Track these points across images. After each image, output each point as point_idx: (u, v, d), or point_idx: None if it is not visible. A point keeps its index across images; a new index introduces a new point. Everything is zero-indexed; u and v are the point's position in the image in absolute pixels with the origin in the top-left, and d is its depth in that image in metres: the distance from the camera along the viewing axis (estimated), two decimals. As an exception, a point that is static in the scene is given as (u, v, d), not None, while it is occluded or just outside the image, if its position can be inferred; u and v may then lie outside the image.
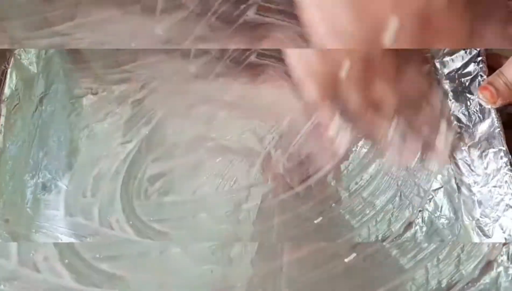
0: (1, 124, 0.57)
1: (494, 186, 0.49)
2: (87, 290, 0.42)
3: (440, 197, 0.51)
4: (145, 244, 0.48)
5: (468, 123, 0.53)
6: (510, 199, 0.47)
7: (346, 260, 0.47)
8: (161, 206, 0.53)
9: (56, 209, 0.53)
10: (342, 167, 0.54)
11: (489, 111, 0.51)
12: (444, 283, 0.46)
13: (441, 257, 0.47)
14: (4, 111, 0.58)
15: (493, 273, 0.46)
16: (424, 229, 0.50)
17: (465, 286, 0.45)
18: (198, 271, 0.46)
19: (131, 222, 0.52)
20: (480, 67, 0.54)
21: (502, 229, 0.47)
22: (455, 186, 0.52)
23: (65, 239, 0.51)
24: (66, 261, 0.45)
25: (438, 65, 0.58)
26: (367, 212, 0.51)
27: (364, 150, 0.55)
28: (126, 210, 0.53)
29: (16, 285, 0.41)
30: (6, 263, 0.42)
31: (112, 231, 0.52)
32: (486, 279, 0.46)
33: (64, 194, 0.54)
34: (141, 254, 0.48)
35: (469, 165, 0.52)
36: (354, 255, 0.47)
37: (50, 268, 0.43)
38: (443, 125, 0.53)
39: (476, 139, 0.52)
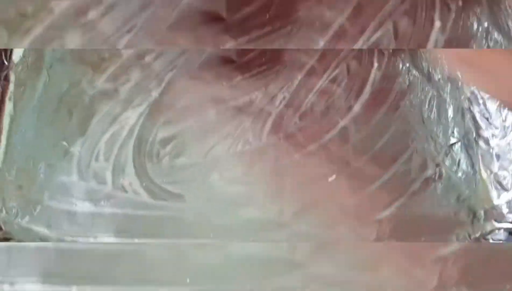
0: (11, 92, 0.57)
1: (513, 139, 0.48)
2: (158, 203, 0.51)
3: (458, 152, 0.50)
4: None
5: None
6: (529, 151, 0.46)
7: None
8: (173, 168, 0.53)
9: (69, 175, 0.53)
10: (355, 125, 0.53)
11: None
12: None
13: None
14: (13, 78, 0.57)
15: None
16: (442, 184, 0.49)
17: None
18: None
19: (144, 185, 0.52)
20: None
21: (521, 181, 0.46)
22: (472, 139, 0.50)
23: (79, 204, 0.51)
24: (144, 184, 0.51)
25: None
26: (383, 169, 0.50)
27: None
28: (139, 173, 0.52)
29: (112, 202, 0.51)
30: (104, 187, 0.52)
31: (125, 194, 0.52)
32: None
33: (76, 159, 0.53)
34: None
35: (487, 118, 0.51)
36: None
37: (133, 190, 0.51)
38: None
39: (494, 90, 0.50)
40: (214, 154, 0.53)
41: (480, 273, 0.42)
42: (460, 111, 0.52)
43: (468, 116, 0.52)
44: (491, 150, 0.49)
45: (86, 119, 0.55)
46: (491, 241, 0.46)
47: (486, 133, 0.50)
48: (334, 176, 0.51)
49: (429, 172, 0.50)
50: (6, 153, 0.54)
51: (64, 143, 0.54)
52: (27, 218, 0.52)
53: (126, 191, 0.52)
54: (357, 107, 0.53)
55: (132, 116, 0.55)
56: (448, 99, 0.53)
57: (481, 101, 0.51)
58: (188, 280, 0.46)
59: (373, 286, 0.44)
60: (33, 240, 0.50)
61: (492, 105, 0.50)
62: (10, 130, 0.55)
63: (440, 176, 0.50)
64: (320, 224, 0.49)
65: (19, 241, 0.50)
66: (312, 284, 0.45)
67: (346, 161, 0.51)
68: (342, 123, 0.52)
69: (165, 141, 0.54)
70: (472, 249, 0.45)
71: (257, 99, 0.54)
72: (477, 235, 0.47)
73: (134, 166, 0.53)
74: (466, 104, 0.52)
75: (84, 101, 0.56)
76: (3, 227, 0.51)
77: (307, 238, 0.49)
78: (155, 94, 0.56)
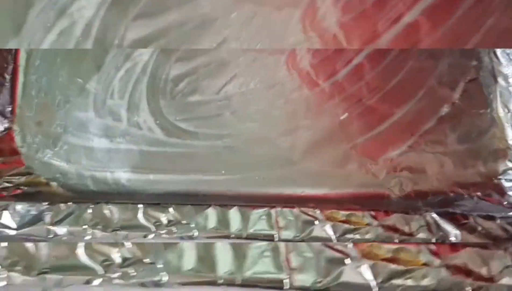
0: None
1: (534, 77, 0.46)
2: (171, 140, 0.52)
3: (474, 88, 0.48)
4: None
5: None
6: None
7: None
8: (187, 106, 0.53)
9: (86, 111, 0.54)
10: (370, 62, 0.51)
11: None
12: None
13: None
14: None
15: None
16: (455, 122, 0.48)
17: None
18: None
19: (158, 122, 0.53)
20: None
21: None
22: (491, 76, 0.48)
23: (96, 140, 0.53)
24: (158, 121, 0.52)
25: None
26: (396, 107, 0.50)
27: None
28: (153, 110, 0.53)
29: (127, 138, 0.53)
30: (119, 124, 0.53)
31: (140, 131, 0.53)
32: None
33: (92, 96, 0.54)
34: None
35: (508, 54, 0.48)
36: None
37: (147, 127, 0.52)
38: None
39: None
40: (226, 91, 0.53)
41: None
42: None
43: (489, 51, 0.50)
44: (510, 88, 0.48)
45: (100, 55, 0.55)
46: (503, 181, 0.46)
47: (506, 70, 0.48)
48: (346, 114, 0.50)
49: (444, 110, 0.49)
50: (24, 89, 0.55)
51: (80, 80, 0.55)
52: (47, 153, 0.54)
53: (140, 128, 0.53)
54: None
55: (145, 53, 0.55)
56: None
57: (504, 36, 0.49)
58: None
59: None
60: (54, 175, 0.53)
61: (515, 41, 0.48)
62: (26, 67, 0.56)
63: (455, 114, 0.48)
64: (330, 162, 0.49)
65: (39, 175, 0.53)
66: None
67: (359, 98, 0.50)
68: (356, 60, 0.51)
69: (178, 79, 0.54)
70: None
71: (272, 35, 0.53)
72: (489, 174, 0.46)
73: (148, 103, 0.53)
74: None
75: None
76: (25, 162, 0.53)
77: (316, 175, 0.49)
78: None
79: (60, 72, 0.55)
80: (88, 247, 0.42)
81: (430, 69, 0.50)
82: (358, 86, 0.51)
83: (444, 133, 0.48)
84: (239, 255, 0.42)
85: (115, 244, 0.43)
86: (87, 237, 0.45)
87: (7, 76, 0.55)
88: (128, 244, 0.42)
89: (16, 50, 0.56)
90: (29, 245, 0.43)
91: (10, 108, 0.54)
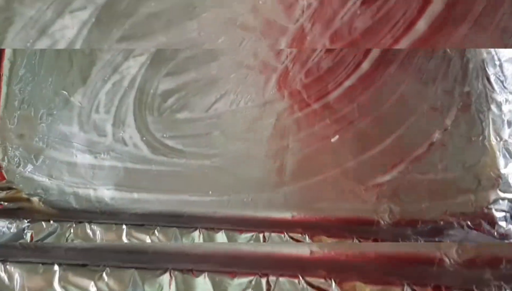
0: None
1: (527, 106, 0.45)
2: (157, 158, 0.51)
3: (467, 115, 0.48)
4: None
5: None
6: (543, 120, 0.44)
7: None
8: (174, 123, 0.52)
9: (70, 125, 0.52)
10: (362, 84, 0.51)
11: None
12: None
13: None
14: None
15: None
16: (447, 149, 0.48)
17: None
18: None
19: (144, 139, 0.51)
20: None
21: (530, 151, 0.44)
22: (484, 103, 0.48)
23: (80, 155, 0.51)
24: (144, 138, 0.51)
25: None
26: (387, 131, 0.49)
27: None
28: (139, 126, 0.52)
29: (112, 155, 0.51)
30: (104, 139, 0.52)
31: (125, 147, 0.51)
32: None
33: (77, 110, 0.53)
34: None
35: (502, 82, 0.48)
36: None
37: (133, 143, 0.51)
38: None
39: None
40: (216, 109, 0.52)
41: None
42: (474, 73, 0.50)
43: (482, 78, 0.49)
44: (503, 116, 0.47)
45: (87, 67, 0.54)
46: (493, 211, 0.45)
47: (499, 97, 0.48)
48: (337, 137, 0.49)
49: (436, 136, 0.48)
50: (6, 100, 0.54)
51: (65, 92, 0.53)
52: (29, 167, 0.52)
53: (126, 144, 0.51)
54: (365, 65, 0.50)
55: (133, 66, 0.53)
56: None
57: (497, 63, 0.48)
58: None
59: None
60: (35, 190, 0.51)
61: (509, 69, 0.48)
62: (10, 77, 0.54)
63: (447, 141, 0.48)
64: (319, 185, 0.49)
65: (20, 190, 0.51)
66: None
67: (350, 121, 0.50)
68: (348, 82, 0.50)
69: (167, 94, 0.52)
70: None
71: (262, 54, 0.52)
72: (480, 203, 0.46)
73: (135, 119, 0.52)
74: (481, 66, 0.49)
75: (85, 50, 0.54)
76: (6, 176, 0.52)
77: (305, 198, 0.48)
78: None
79: (44, 83, 0.54)
80: (64, 279, 0.41)
81: (422, 94, 0.49)
82: (350, 108, 0.50)
83: (435, 160, 0.47)
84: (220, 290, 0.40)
85: (92, 276, 0.41)
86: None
87: (-11, 87, 0.53)
88: (105, 277, 0.40)
89: (0, 59, 0.54)
90: (3, 275, 0.41)
91: (-9, 120, 0.53)
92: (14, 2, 0.48)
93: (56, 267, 0.41)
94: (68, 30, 0.49)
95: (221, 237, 0.45)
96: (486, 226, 0.45)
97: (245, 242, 0.45)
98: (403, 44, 0.48)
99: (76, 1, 0.48)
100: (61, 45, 0.49)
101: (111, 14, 0.48)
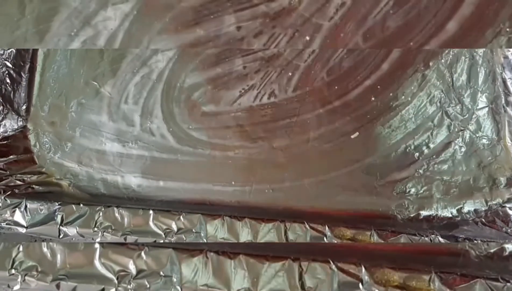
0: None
1: (543, 108, 0.47)
2: (183, 149, 0.53)
3: (484, 117, 0.50)
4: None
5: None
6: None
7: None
8: (200, 115, 0.54)
9: (99, 114, 0.54)
10: (382, 84, 0.52)
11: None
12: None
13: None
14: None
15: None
16: (464, 149, 0.49)
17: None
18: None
19: (171, 129, 0.53)
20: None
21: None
22: (500, 105, 0.50)
23: (108, 143, 0.54)
24: (171, 129, 0.53)
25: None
26: (406, 128, 0.51)
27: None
28: (166, 117, 0.54)
29: (139, 144, 0.54)
30: (132, 129, 0.54)
31: (153, 137, 0.53)
32: None
33: (107, 100, 0.55)
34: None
35: (518, 85, 0.50)
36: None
37: (160, 134, 0.53)
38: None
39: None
40: (240, 103, 0.53)
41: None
42: (492, 76, 0.51)
43: (499, 81, 0.51)
44: (518, 118, 0.49)
45: (117, 59, 0.56)
46: (507, 209, 0.47)
47: (515, 100, 0.50)
48: (357, 133, 0.51)
49: (453, 136, 0.50)
50: (39, 88, 0.56)
51: (95, 83, 0.55)
52: (59, 154, 0.54)
53: (153, 134, 0.53)
54: (385, 66, 0.52)
55: (162, 60, 0.56)
56: (480, 63, 0.51)
57: (514, 66, 0.50)
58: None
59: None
60: (65, 175, 0.53)
61: (526, 72, 0.49)
62: (43, 66, 0.56)
63: (464, 140, 0.50)
64: (339, 179, 0.50)
65: (51, 175, 0.53)
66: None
67: (370, 119, 0.51)
68: (369, 81, 0.52)
69: (193, 88, 0.54)
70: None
71: (285, 52, 0.54)
72: (494, 202, 0.48)
73: (162, 110, 0.54)
74: (498, 69, 0.51)
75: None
76: (37, 161, 0.54)
77: (326, 192, 0.50)
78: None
79: (76, 74, 0.56)
80: (104, 256, 0.43)
81: (439, 95, 0.51)
82: (370, 107, 0.52)
83: (451, 158, 0.49)
84: (254, 273, 0.42)
85: (131, 254, 0.43)
86: (97, 240, 0.46)
87: (24, 75, 0.55)
88: (143, 256, 0.43)
89: (34, 50, 0.56)
90: (46, 251, 0.43)
91: (25, 107, 0.55)
92: (60, -8, 0.51)
93: (96, 245, 0.43)
94: (111, 21, 0.51)
95: (244, 225, 0.47)
96: (499, 223, 0.47)
97: (267, 231, 0.46)
98: (433, 44, 0.49)
99: (119, -7, 0.51)
100: (103, 35, 0.51)
101: (152, 7, 0.50)
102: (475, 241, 0.44)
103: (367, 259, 0.41)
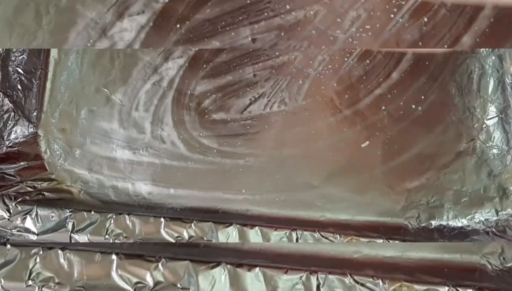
0: (56, 36, 0.58)
1: (554, 118, 0.47)
2: (194, 156, 0.53)
3: (494, 127, 0.50)
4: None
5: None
6: None
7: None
8: (210, 123, 0.54)
9: (110, 122, 0.55)
10: (392, 93, 0.53)
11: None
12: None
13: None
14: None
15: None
16: (474, 159, 0.50)
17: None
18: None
19: (181, 137, 0.54)
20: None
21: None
22: (510, 115, 0.50)
23: (119, 150, 0.54)
24: (181, 136, 0.54)
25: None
26: (416, 139, 0.51)
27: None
28: (177, 125, 0.54)
29: (150, 151, 0.54)
30: (143, 136, 0.54)
31: (163, 144, 0.54)
32: None
33: (117, 107, 0.55)
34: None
35: (529, 95, 0.50)
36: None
37: (171, 141, 0.53)
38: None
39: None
40: (250, 111, 0.54)
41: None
42: (501, 85, 0.51)
43: (508, 91, 0.51)
44: (528, 128, 0.49)
45: (128, 66, 0.56)
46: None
47: (526, 110, 0.50)
48: (367, 142, 0.51)
49: (463, 145, 0.50)
50: (50, 95, 0.56)
51: (106, 90, 0.56)
52: (69, 161, 0.54)
53: (164, 142, 0.54)
54: (395, 75, 0.53)
55: (172, 68, 0.56)
56: (490, 72, 0.52)
57: (525, 76, 0.50)
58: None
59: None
60: (75, 182, 0.53)
61: (536, 83, 0.50)
62: (54, 73, 0.57)
63: (474, 150, 0.50)
64: (349, 188, 0.51)
65: (61, 182, 0.53)
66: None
67: (381, 128, 0.52)
68: (379, 90, 0.52)
69: (204, 96, 0.55)
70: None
71: (296, 60, 0.54)
72: (505, 211, 0.48)
73: (173, 118, 0.54)
74: (508, 79, 0.51)
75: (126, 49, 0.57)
76: (47, 168, 0.54)
77: (336, 201, 0.50)
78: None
79: (87, 81, 0.56)
80: (121, 267, 0.43)
81: (450, 105, 0.51)
82: (380, 116, 0.52)
83: (462, 168, 0.49)
84: (271, 285, 0.42)
85: (148, 266, 0.43)
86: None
87: (35, 82, 0.56)
88: (161, 267, 0.42)
89: (46, 56, 0.56)
90: (63, 262, 0.43)
91: (35, 114, 0.55)
92: (77, 3, 0.51)
93: (113, 256, 0.43)
94: (127, 33, 0.51)
95: (255, 233, 0.47)
96: (510, 233, 0.47)
97: (279, 239, 0.46)
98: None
99: (134, 5, 0.51)
100: (120, 46, 0.51)
101: (167, 19, 0.51)
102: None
103: (384, 270, 0.41)
